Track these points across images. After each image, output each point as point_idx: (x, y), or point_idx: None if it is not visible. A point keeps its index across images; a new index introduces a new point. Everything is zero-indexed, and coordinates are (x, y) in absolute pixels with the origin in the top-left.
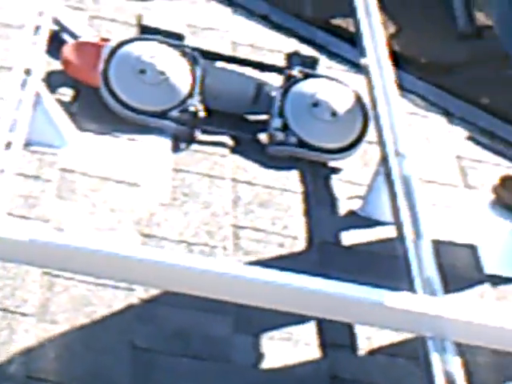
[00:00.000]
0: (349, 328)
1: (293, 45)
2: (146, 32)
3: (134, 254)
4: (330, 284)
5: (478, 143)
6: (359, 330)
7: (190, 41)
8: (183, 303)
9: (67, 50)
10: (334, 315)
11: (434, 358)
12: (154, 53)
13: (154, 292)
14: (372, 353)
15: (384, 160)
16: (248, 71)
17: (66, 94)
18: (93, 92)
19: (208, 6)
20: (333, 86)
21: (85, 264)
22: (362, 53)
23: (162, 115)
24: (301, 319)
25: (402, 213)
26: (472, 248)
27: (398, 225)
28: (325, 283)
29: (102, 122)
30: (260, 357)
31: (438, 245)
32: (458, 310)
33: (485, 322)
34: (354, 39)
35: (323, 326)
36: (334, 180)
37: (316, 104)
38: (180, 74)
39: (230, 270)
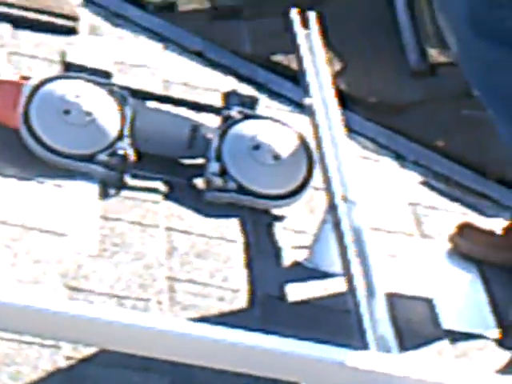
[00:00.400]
0: None
1: (230, 83)
2: (71, 69)
3: (60, 308)
4: (273, 340)
5: (433, 189)
6: None
7: (118, 79)
8: (115, 362)
9: None
10: (276, 373)
11: None
12: (79, 92)
13: (83, 350)
14: None
15: (331, 207)
16: (182, 112)
17: None
18: (13, 134)
19: (137, 42)
20: (274, 128)
21: (7, 320)
22: (306, 92)
23: (89, 159)
24: (244, 378)
25: (353, 265)
26: (428, 301)
27: (349, 277)
28: (267, 340)
29: (24, 166)
30: None
31: (392, 298)
32: (413, 368)
33: (441, 382)
34: (296, 77)
35: None
36: (278, 228)
37: (257, 147)
38: (108, 115)
39: (165, 325)
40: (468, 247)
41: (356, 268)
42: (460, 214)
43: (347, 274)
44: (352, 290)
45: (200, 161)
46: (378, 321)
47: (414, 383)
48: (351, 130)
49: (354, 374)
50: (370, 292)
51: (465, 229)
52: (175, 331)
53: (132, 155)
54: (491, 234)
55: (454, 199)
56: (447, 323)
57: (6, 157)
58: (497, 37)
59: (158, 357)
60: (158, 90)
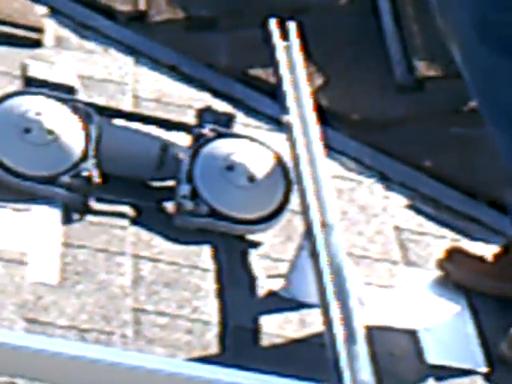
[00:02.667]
0: None
1: (205, 99)
2: (32, 84)
3: (17, 342)
4: (247, 376)
5: (420, 212)
6: None
7: (84, 95)
8: None
9: None
10: None
11: None
12: (40, 109)
13: None
14: None
15: (309, 234)
16: (152, 130)
17: None
18: None
19: (105, 55)
20: (250, 147)
21: None
22: (284, 108)
23: (51, 181)
24: None
25: (331, 301)
26: (413, 334)
27: (325, 310)
28: (240, 375)
29: None
30: None
31: (373, 331)
32: None
33: None
34: (274, 92)
35: None
36: (253, 256)
37: (231, 168)
38: (71, 134)
39: (130, 360)
40: (457, 274)
41: (334, 304)
42: (448, 240)
43: (324, 308)
44: (329, 324)
45: (170, 183)
46: (357, 365)
47: None
48: (332, 149)
49: None
50: (349, 331)
51: (454, 254)
52: (141, 367)
53: (97, 177)
54: (481, 260)
55: (442, 223)
56: (432, 357)
57: None
58: (506, 44)
59: None
60: (128, 107)
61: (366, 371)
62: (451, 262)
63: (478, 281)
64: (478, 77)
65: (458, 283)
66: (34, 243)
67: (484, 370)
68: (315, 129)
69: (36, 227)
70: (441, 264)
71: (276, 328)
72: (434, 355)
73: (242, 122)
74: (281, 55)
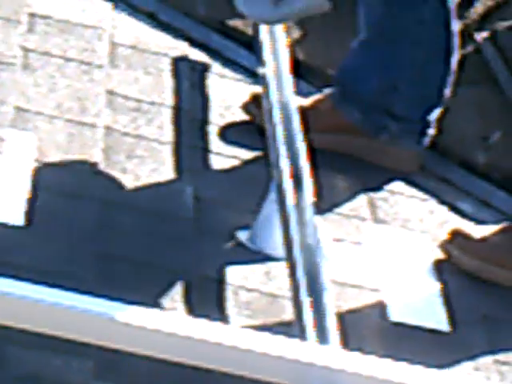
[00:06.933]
0: None
1: (182, 48)
2: None
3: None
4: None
5: None
6: None
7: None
8: (35, 343)
9: None
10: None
11: None
12: None
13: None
14: None
15: (278, 187)
16: None
17: None
18: None
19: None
20: None
21: None
22: (261, 61)
23: None
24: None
25: (295, 250)
26: (377, 292)
27: (291, 264)
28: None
29: None
30: None
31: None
32: (352, 361)
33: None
34: (251, 44)
35: None
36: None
37: None
38: None
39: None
40: (461, 258)
41: (299, 255)
42: (418, 199)
43: (289, 259)
44: (294, 279)
45: None
46: (320, 311)
47: (350, 377)
48: None
49: (293, 366)
50: (313, 280)
51: (457, 236)
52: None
53: None
54: (483, 241)
55: (412, 183)
56: (396, 315)
57: None
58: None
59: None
60: (104, 52)
61: (330, 326)
62: (454, 245)
63: (482, 268)
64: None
65: (461, 268)
66: None
67: (446, 329)
68: (290, 81)
69: None
70: (444, 246)
71: (241, 279)
72: (397, 313)
73: (218, 73)
74: None
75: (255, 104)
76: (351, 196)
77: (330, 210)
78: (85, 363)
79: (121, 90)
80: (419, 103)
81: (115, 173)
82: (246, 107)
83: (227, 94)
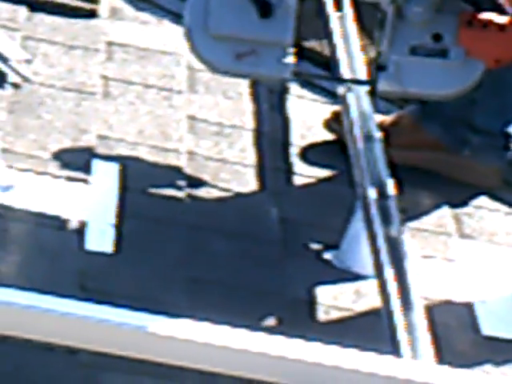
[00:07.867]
0: None
1: None
2: None
3: None
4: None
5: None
6: None
7: (136, 66)
8: (131, 369)
9: None
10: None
11: None
12: None
13: None
14: None
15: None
16: None
17: None
18: None
19: (161, 27)
20: None
21: None
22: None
23: None
24: None
25: (386, 268)
26: (469, 306)
27: (382, 282)
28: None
29: None
30: None
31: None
32: (446, 376)
33: None
34: (328, 64)
35: None
36: None
37: None
38: None
39: None
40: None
41: (389, 272)
42: (502, 213)
43: (379, 277)
44: (386, 296)
45: None
46: (413, 327)
47: None
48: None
49: (387, 382)
50: (405, 298)
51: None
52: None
53: None
54: None
55: (494, 198)
56: (487, 329)
57: None
58: None
59: None
60: (183, 77)
61: (423, 342)
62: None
63: None
64: None
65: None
66: None
67: None
68: (368, 99)
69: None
70: (328, 124)
71: (331, 299)
72: (488, 327)
73: (297, 94)
74: (335, 27)
75: (336, 121)
76: (436, 212)
77: (416, 226)
78: None
79: (201, 115)
80: (498, 114)
81: (201, 197)
82: (327, 124)
83: (307, 115)
